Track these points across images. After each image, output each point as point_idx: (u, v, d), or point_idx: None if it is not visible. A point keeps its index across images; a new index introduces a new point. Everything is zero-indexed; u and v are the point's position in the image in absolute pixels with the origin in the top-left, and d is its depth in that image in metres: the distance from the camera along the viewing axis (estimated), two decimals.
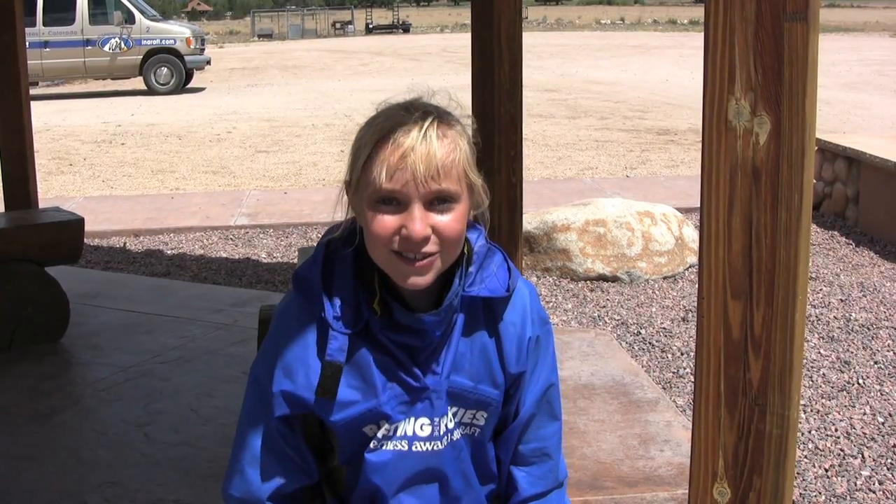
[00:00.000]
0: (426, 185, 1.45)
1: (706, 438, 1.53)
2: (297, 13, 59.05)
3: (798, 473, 3.48)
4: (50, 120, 15.69)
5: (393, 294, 1.54)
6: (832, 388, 4.26)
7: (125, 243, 7.17)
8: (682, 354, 4.69)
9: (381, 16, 70.76)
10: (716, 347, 1.50)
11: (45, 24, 20.12)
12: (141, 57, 21.02)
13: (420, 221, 1.45)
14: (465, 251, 1.58)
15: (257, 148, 12.42)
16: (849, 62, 24.35)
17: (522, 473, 1.71)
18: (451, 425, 1.60)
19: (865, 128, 12.93)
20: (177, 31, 21.99)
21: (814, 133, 1.43)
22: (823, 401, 4.12)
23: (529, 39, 29.59)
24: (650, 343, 4.87)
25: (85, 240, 5.17)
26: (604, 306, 5.49)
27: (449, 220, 1.48)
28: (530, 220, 6.24)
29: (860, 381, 4.33)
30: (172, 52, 21.18)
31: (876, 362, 4.55)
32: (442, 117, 1.50)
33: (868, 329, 5.00)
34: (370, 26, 56.34)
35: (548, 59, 28.24)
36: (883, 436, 3.79)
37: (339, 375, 1.53)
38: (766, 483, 1.51)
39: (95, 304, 5.32)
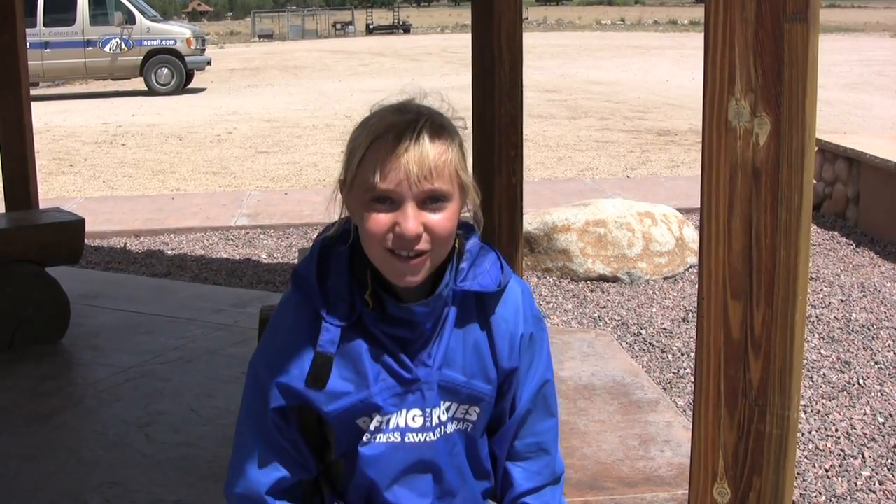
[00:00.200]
0: (419, 184, 1.49)
1: (706, 439, 1.53)
2: (298, 14, 59.11)
3: (798, 474, 3.48)
4: (50, 120, 15.69)
5: (385, 287, 1.58)
6: (832, 388, 4.26)
7: (126, 244, 7.17)
8: (682, 355, 4.69)
9: (382, 16, 70.77)
10: (716, 348, 1.50)
11: (45, 25, 20.13)
12: (141, 57, 21.03)
13: (413, 220, 1.49)
14: (457, 247, 1.61)
15: (258, 148, 12.42)
16: (849, 62, 24.35)
17: (518, 469, 1.74)
18: (443, 418, 1.62)
19: (866, 128, 12.93)
20: (177, 32, 22.00)
21: (814, 133, 1.43)
22: (824, 401, 4.12)
23: (530, 40, 29.60)
24: (650, 343, 4.87)
25: (85, 240, 5.17)
26: (604, 307, 5.49)
27: (441, 219, 1.52)
28: (531, 221, 6.24)
29: (860, 381, 4.33)
30: (173, 52, 21.18)
31: (876, 363, 4.55)
32: (434, 118, 1.54)
33: (868, 329, 5.00)
34: (370, 27, 56.36)
35: (548, 59, 28.25)
36: (883, 436, 3.79)
37: (329, 367, 1.57)
38: (766, 483, 1.51)
39: (96, 305, 5.32)
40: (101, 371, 4.33)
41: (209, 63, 22.93)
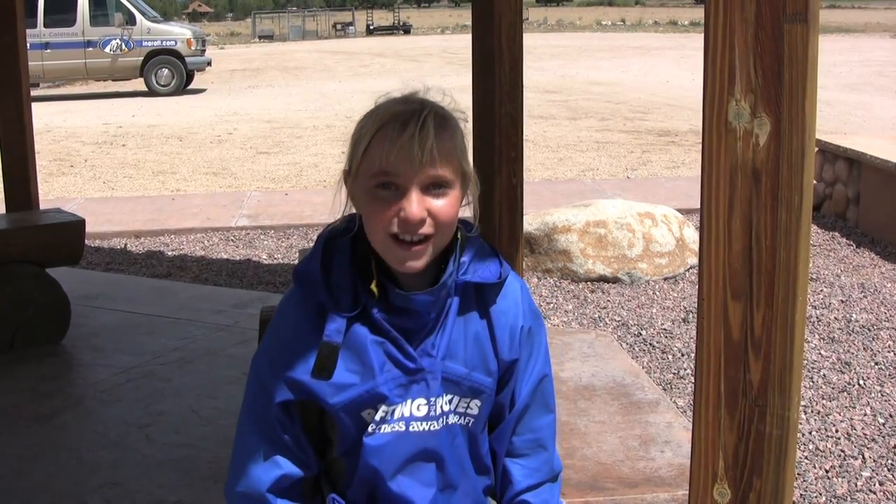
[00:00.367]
0: (423, 170, 1.53)
1: (706, 439, 1.53)
2: (298, 14, 59.12)
3: (798, 474, 3.48)
4: (51, 121, 15.70)
5: (389, 278, 1.61)
6: (833, 389, 4.26)
7: (126, 244, 7.18)
8: (682, 355, 4.69)
9: (382, 17, 70.79)
10: (716, 348, 1.50)
11: (46, 26, 20.13)
12: (142, 58, 21.04)
13: (417, 204, 1.53)
14: (459, 238, 1.65)
15: (258, 149, 12.42)
16: (849, 63, 24.35)
17: (517, 466, 1.76)
18: (446, 408, 1.64)
19: (866, 129, 12.93)
20: (178, 33, 22.01)
21: (814, 134, 1.44)
22: (824, 402, 4.12)
23: (530, 41, 29.61)
24: (651, 344, 4.87)
25: (86, 241, 5.17)
26: (604, 307, 5.50)
27: (444, 205, 1.56)
28: (531, 222, 6.24)
29: (861, 382, 4.33)
30: (173, 53, 21.19)
31: (876, 363, 4.55)
32: (438, 109, 1.59)
33: (869, 330, 5.00)
34: (371, 27, 56.39)
35: (548, 60, 28.25)
36: (883, 437, 3.79)
37: (335, 356, 1.58)
38: (766, 484, 1.51)
39: (96, 306, 5.32)
40: (102, 372, 4.33)
41: (209, 64, 22.93)
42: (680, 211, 6.76)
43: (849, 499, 3.34)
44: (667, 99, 17.37)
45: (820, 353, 4.67)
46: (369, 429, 1.61)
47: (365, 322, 1.60)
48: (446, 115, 1.60)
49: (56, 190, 9.72)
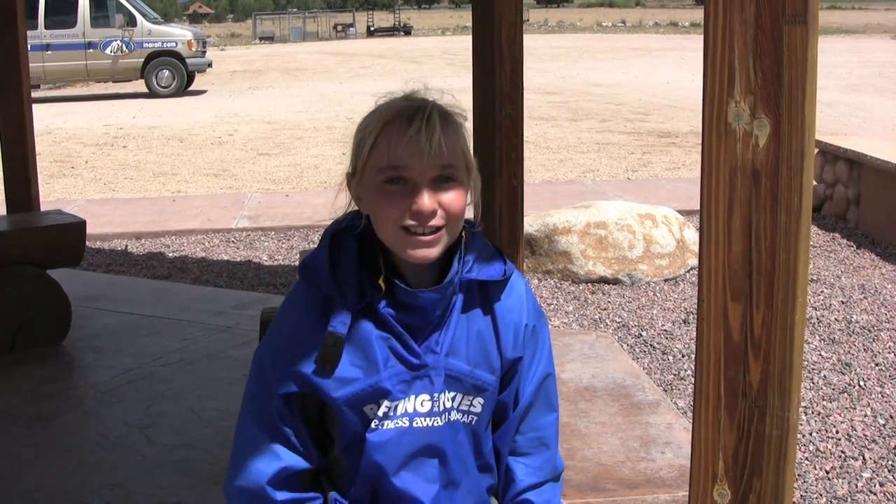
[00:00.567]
0: (432, 161, 1.55)
1: (706, 440, 1.53)
2: (299, 16, 59.15)
3: (799, 475, 3.48)
4: (51, 123, 15.71)
5: (396, 274, 1.62)
6: (833, 389, 4.26)
7: (127, 246, 7.18)
8: (683, 356, 4.69)
9: (383, 18, 70.83)
10: (716, 349, 1.50)
11: (46, 27, 20.15)
12: (142, 60, 21.05)
13: (428, 196, 1.55)
14: (464, 237, 1.66)
15: (259, 150, 12.43)
16: (850, 64, 24.35)
17: (520, 464, 1.76)
18: (449, 404, 1.64)
19: (866, 130, 12.93)
20: (178, 34, 22.02)
21: (813, 135, 1.44)
22: (824, 403, 4.12)
23: (530, 42, 29.62)
24: (651, 345, 4.87)
25: (86, 242, 5.17)
26: (605, 308, 5.50)
27: (453, 197, 1.58)
28: (531, 223, 6.24)
29: (861, 383, 4.33)
30: (174, 54, 21.21)
31: (877, 364, 4.55)
32: (440, 105, 1.61)
33: (869, 331, 5.00)
34: (371, 29, 56.40)
35: (549, 61, 28.26)
36: (884, 438, 3.79)
37: (339, 348, 1.59)
38: (766, 485, 1.51)
39: (97, 307, 5.32)
40: (102, 373, 4.33)
41: (210, 65, 22.95)
42: (680, 212, 6.76)
43: (849, 500, 3.34)
44: (667, 100, 17.37)
45: (820, 355, 4.67)
46: (372, 424, 1.61)
47: (370, 317, 1.61)
48: (449, 111, 1.62)
49: (57, 191, 9.73)
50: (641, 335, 5.02)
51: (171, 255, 6.91)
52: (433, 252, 1.58)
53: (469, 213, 1.68)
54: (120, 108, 18.37)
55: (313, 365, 1.60)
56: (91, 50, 20.69)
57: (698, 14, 61.48)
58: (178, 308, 5.33)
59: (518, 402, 1.73)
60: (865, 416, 3.99)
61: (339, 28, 54.91)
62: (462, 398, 1.66)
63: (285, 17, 57.90)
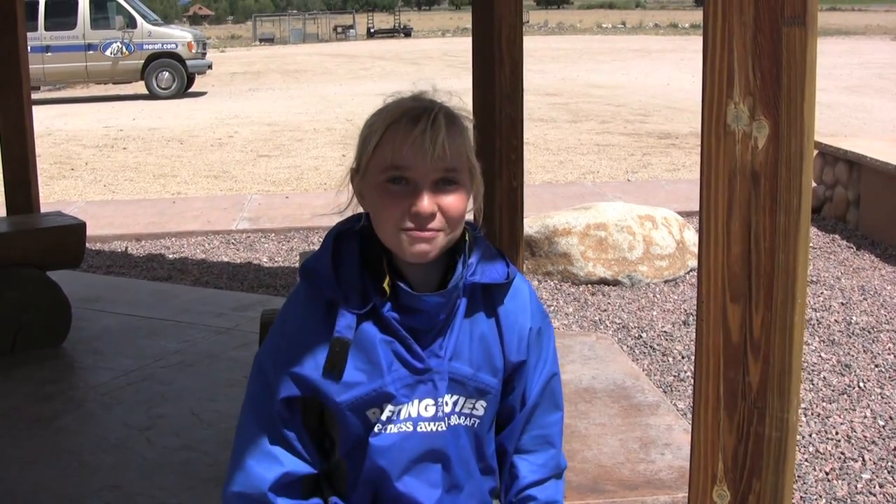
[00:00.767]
0: (435, 164, 1.55)
1: (705, 441, 1.53)
2: (299, 17, 59.16)
3: (799, 476, 3.49)
4: (52, 124, 15.71)
5: (399, 278, 1.61)
6: (833, 391, 4.26)
7: (127, 247, 7.18)
8: (683, 358, 4.69)
9: (383, 20, 70.82)
10: (715, 351, 1.50)
11: (46, 29, 20.17)
12: (142, 61, 21.06)
13: (428, 198, 1.55)
14: (467, 239, 1.66)
15: (259, 152, 12.43)
16: (849, 65, 24.36)
17: (524, 461, 1.77)
18: (450, 409, 1.64)
19: (866, 131, 12.93)
20: (178, 36, 22.03)
21: (812, 137, 1.44)
22: (824, 404, 4.12)
23: (530, 43, 29.62)
24: (651, 346, 4.87)
25: (86, 244, 5.17)
26: (605, 310, 5.50)
27: (454, 200, 1.58)
28: (531, 224, 6.24)
29: (861, 384, 4.33)
30: (174, 56, 21.21)
31: (877, 366, 4.55)
32: (447, 107, 1.61)
33: (869, 332, 5.00)
34: (371, 30, 56.40)
35: (549, 62, 28.27)
36: (883, 439, 3.79)
37: (346, 352, 1.59)
38: (766, 486, 1.51)
39: (97, 309, 5.32)
40: (103, 375, 4.33)
41: (210, 67, 22.96)
42: (680, 213, 6.76)
43: (849, 501, 3.34)
44: (667, 101, 17.37)
45: (820, 356, 4.67)
46: (375, 429, 1.61)
47: (374, 320, 1.61)
48: (456, 114, 1.62)
49: (57, 193, 9.73)
50: (641, 336, 5.02)
51: (171, 256, 6.91)
52: (430, 248, 1.58)
53: (470, 217, 1.68)
54: (120, 110, 18.38)
55: (317, 369, 1.59)
56: (91, 51, 20.70)
57: (698, 15, 61.50)
58: (178, 310, 5.33)
59: (525, 403, 1.74)
60: (865, 417, 3.99)
61: (339, 30, 54.88)
62: (465, 401, 1.65)
63: (285, 19, 57.93)
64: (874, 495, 3.37)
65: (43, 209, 5.77)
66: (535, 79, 21.13)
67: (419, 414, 1.62)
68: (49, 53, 20.16)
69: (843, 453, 3.68)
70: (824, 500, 3.34)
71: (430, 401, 1.62)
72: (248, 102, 19.13)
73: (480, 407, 1.67)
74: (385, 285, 1.60)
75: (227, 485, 1.66)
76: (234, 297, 5.67)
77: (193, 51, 21.47)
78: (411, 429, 1.62)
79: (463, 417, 1.66)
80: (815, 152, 7.49)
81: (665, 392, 4.25)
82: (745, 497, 1.53)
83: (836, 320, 5.18)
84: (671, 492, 2.96)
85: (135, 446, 3.59)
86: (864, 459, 3.62)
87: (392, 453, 1.61)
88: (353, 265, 1.62)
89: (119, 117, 16.94)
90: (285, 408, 1.62)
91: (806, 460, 3.62)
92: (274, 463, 1.62)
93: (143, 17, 21.56)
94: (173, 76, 21.18)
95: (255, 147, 12.89)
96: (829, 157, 7.73)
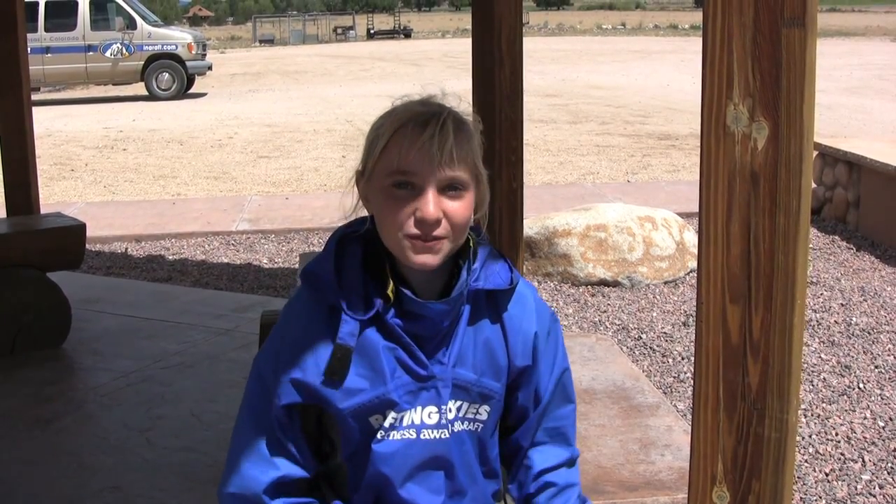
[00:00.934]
0: (441, 170, 1.54)
1: (705, 442, 1.53)
2: (299, 18, 59.21)
3: (798, 477, 3.49)
4: (51, 125, 15.71)
5: (403, 284, 1.60)
6: (833, 392, 4.26)
7: (126, 249, 7.18)
8: (682, 359, 4.69)
9: (383, 21, 70.83)
10: (714, 351, 1.50)
11: (46, 30, 20.17)
12: (142, 62, 21.06)
13: (434, 205, 1.54)
14: (471, 245, 1.65)
15: (259, 153, 12.43)
16: (849, 66, 24.36)
17: (536, 452, 1.77)
18: (450, 416, 1.63)
19: (866, 132, 12.93)
20: (178, 37, 22.03)
21: (812, 138, 1.44)
22: (824, 405, 4.12)
23: (530, 44, 29.63)
24: (651, 348, 4.87)
25: (86, 245, 5.17)
26: (605, 311, 5.50)
27: (459, 207, 1.57)
28: (531, 226, 6.24)
29: (861, 385, 4.33)
30: (174, 57, 21.21)
31: (876, 366, 4.55)
32: (456, 112, 1.60)
33: (869, 333, 5.00)
34: (371, 31, 56.42)
35: (549, 64, 28.27)
36: (883, 440, 3.79)
37: (348, 359, 1.58)
38: (765, 487, 1.51)
39: (97, 310, 5.33)
40: (102, 376, 4.33)
41: (210, 68, 22.95)
42: (680, 214, 6.76)
43: (848, 502, 3.34)
44: (667, 102, 17.38)
45: (820, 357, 4.67)
46: (378, 435, 1.60)
47: (377, 326, 1.59)
48: (465, 120, 1.61)
49: (57, 194, 9.73)
50: (641, 337, 5.02)
51: (170, 257, 6.91)
52: (435, 259, 1.57)
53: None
54: (120, 111, 18.38)
55: (319, 376, 1.58)
56: (91, 53, 20.70)
57: (698, 16, 61.52)
58: (178, 311, 5.33)
59: (539, 403, 1.74)
60: (865, 418, 3.99)
61: (339, 31, 54.90)
62: (468, 406, 1.65)
63: (285, 20, 57.97)
64: (874, 496, 3.37)
65: (43, 210, 5.76)
66: (535, 80, 21.14)
67: (422, 421, 1.61)
68: (49, 55, 20.16)
69: (842, 454, 3.68)
70: (824, 501, 3.34)
71: (433, 408, 1.61)
72: (247, 104, 19.13)
73: (484, 412, 1.66)
74: (389, 291, 1.58)
75: (222, 485, 1.66)
76: (234, 299, 5.68)
77: (193, 52, 21.47)
78: (415, 436, 1.61)
79: (466, 422, 1.65)
80: (815, 153, 7.50)
81: (665, 393, 4.25)
82: (745, 498, 1.53)
83: (835, 321, 5.18)
84: (671, 493, 2.96)
85: (135, 447, 3.59)
86: (863, 460, 3.62)
87: (395, 460, 1.61)
88: (356, 270, 1.61)
89: (119, 118, 16.94)
90: (285, 414, 1.61)
91: (806, 461, 3.62)
92: (269, 467, 1.62)
93: (143, 18, 21.57)
94: (173, 77, 21.18)
95: (255, 148, 12.89)
96: (828, 159, 7.74)
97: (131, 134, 14.67)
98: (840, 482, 3.46)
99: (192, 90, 21.96)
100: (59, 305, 4.71)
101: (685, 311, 5.44)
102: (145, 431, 3.72)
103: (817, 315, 5.29)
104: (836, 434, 3.85)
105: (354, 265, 1.61)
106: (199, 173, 11.01)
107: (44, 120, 15.78)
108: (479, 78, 3.61)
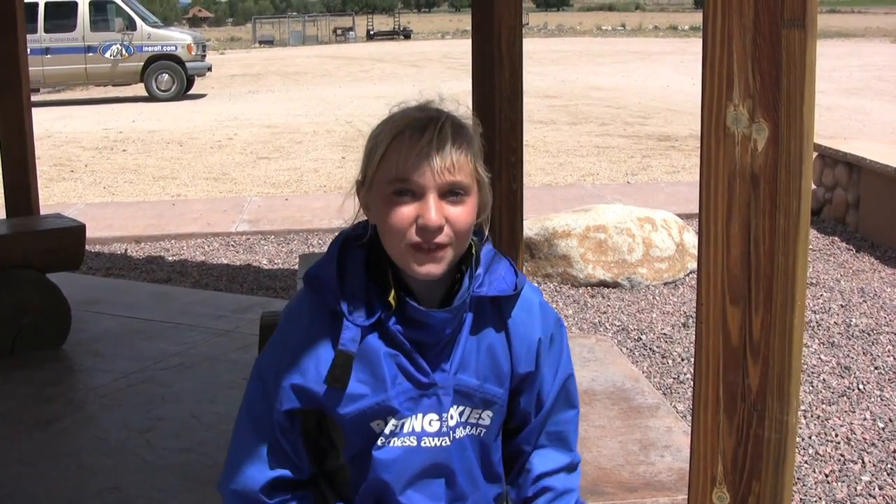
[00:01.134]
0: (441, 175, 1.52)
1: (705, 443, 1.53)
2: (299, 19, 59.23)
3: (798, 479, 3.49)
4: (51, 126, 15.71)
5: (405, 290, 1.59)
6: (832, 393, 4.26)
7: (126, 250, 7.18)
8: (682, 360, 4.69)
9: (383, 22, 70.82)
10: (714, 353, 1.50)
11: (46, 31, 20.17)
12: (142, 63, 21.06)
13: (435, 211, 1.52)
14: (474, 252, 1.64)
15: (258, 154, 12.43)
16: (849, 68, 24.37)
17: (536, 455, 1.77)
18: (452, 423, 1.63)
19: (866, 133, 12.93)
20: (178, 38, 22.04)
21: (812, 139, 1.44)
22: (824, 406, 4.12)
23: (530, 46, 29.64)
24: (651, 349, 4.87)
25: (86, 246, 5.17)
26: (604, 312, 5.50)
27: (461, 213, 1.55)
28: (531, 227, 6.24)
29: (860, 386, 4.33)
30: (174, 58, 21.22)
31: (876, 367, 4.55)
32: (454, 117, 1.59)
33: (868, 334, 5.00)
34: (371, 32, 56.40)
35: (549, 65, 28.27)
36: (883, 441, 3.79)
37: (350, 365, 1.57)
38: (765, 488, 1.51)
39: (97, 311, 5.32)
40: (102, 377, 4.33)
41: (210, 69, 22.95)
42: (680, 216, 6.76)
43: (848, 503, 3.34)
44: (667, 104, 17.38)
45: (820, 358, 4.67)
46: (379, 441, 1.60)
47: (378, 332, 1.59)
48: (463, 124, 1.59)
49: (56, 195, 9.73)
50: (641, 339, 5.02)
51: (170, 258, 6.91)
52: (439, 268, 1.55)
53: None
54: (119, 112, 18.38)
55: (320, 381, 1.57)
56: (91, 54, 20.70)
57: (698, 17, 61.52)
58: (178, 312, 5.33)
59: (541, 408, 1.73)
60: (865, 419, 3.99)
61: (339, 32, 54.89)
62: (471, 412, 1.64)
63: (285, 21, 57.99)
64: (874, 497, 3.37)
65: (42, 211, 5.76)
66: (534, 81, 21.14)
67: (423, 429, 1.60)
68: (49, 55, 20.16)
69: (842, 455, 3.68)
70: (824, 502, 3.34)
71: (433, 416, 1.61)
72: (247, 104, 19.13)
73: (487, 416, 1.66)
74: (391, 298, 1.58)
75: (222, 480, 1.67)
76: (234, 300, 5.68)
77: (193, 53, 21.48)
78: (415, 443, 1.60)
79: (469, 427, 1.64)
80: (815, 154, 7.50)
81: (665, 394, 4.25)
82: (745, 499, 1.53)
83: (835, 322, 5.18)
84: (671, 494, 2.96)
85: (134, 448, 3.59)
86: (863, 461, 3.62)
87: (396, 467, 1.60)
88: (358, 276, 1.60)
89: (119, 119, 16.94)
90: (286, 418, 1.61)
91: (805, 462, 3.63)
92: (267, 468, 1.62)
93: (143, 19, 21.57)
94: (173, 78, 21.19)
95: (255, 149, 12.89)
96: (828, 160, 7.74)
97: (131, 135, 14.67)
98: (840, 483, 3.47)
99: (192, 91, 21.96)
100: (59, 306, 4.71)
101: (685, 312, 5.45)
102: (145, 432, 3.72)
103: (817, 316, 5.29)
104: (836, 435, 3.85)
105: (357, 270, 1.60)
106: (198, 174, 11.01)
107: (43, 121, 15.78)
108: (479, 79, 3.61)
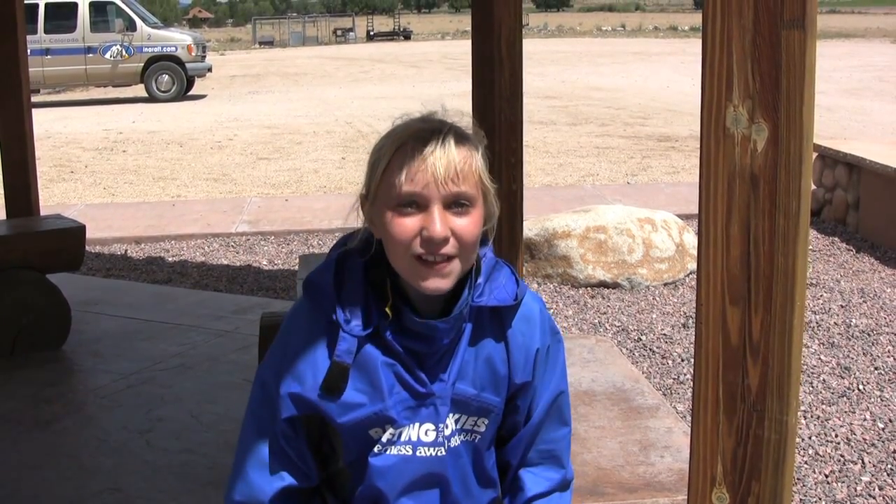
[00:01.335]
0: (446, 186, 1.50)
1: (705, 444, 1.53)
2: (298, 20, 59.22)
3: (798, 479, 3.49)
4: (51, 127, 15.71)
5: (403, 301, 1.58)
6: (832, 393, 4.26)
7: (126, 250, 7.18)
8: (682, 360, 4.69)
9: (383, 23, 70.82)
10: (714, 353, 1.50)
11: (46, 32, 20.17)
12: (142, 64, 21.07)
13: (440, 222, 1.50)
14: (474, 261, 1.61)
15: (258, 155, 12.43)
16: (849, 68, 24.37)
17: (529, 474, 1.75)
18: (448, 432, 1.62)
19: (866, 134, 12.93)
20: (178, 39, 22.04)
21: (811, 140, 1.44)
22: (824, 406, 4.12)
23: (530, 46, 29.65)
24: (651, 349, 4.87)
25: (86, 247, 5.17)
26: (604, 313, 5.50)
27: (467, 224, 1.53)
28: (531, 227, 6.24)
29: (860, 386, 4.33)
30: (174, 59, 21.23)
31: (876, 368, 4.55)
32: (458, 128, 1.57)
33: (868, 335, 5.00)
34: (371, 33, 56.40)
35: (548, 65, 28.27)
36: (883, 441, 3.79)
37: (345, 376, 1.56)
38: (765, 488, 1.51)
39: (97, 312, 5.32)
40: (102, 377, 4.33)
41: (210, 70, 22.96)
42: (680, 216, 6.76)
43: (848, 503, 3.34)
44: (667, 104, 17.38)
45: (820, 358, 4.67)
46: (375, 449, 1.59)
47: (376, 342, 1.57)
48: (467, 135, 1.57)
49: (56, 196, 9.73)
50: (641, 339, 5.02)
51: (170, 259, 6.91)
52: (446, 283, 1.53)
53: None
54: (119, 113, 18.38)
55: (317, 390, 1.57)
56: (91, 54, 20.71)
57: (698, 18, 61.50)
58: (178, 312, 5.33)
59: (530, 420, 1.71)
60: (864, 419, 4.00)
61: (339, 32, 54.89)
62: (467, 419, 1.64)
63: (285, 22, 57.98)
64: (874, 497, 3.37)
65: (42, 212, 5.77)
66: (534, 81, 21.14)
67: (419, 438, 1.60)
68: (49, 56, 20.16)
69: (842, 456, 3.68)
70: (824, 503, 3.34)
71: (430, 425, 1.60)
72: (247, 105, 19.13)
73: (482, 424, 1.65)
74: (387, 309, 1.56)
75: (229, 490, 1.66)
76: (234, 300, 5.68)
77: (193, 54, 21.48)
78: (411, 452, 1.60)
79: (464, 434, 1.64)
80: (815, 155, 7.50)
81: (664, 395, 4.25)
82: (745, 499, 1.53)
83: (835, 323, 5.18)
84: (671, 494, 2.96)
85: (134, 449, 3.59)
86: (863, 462, 3.62)
87: (390, 475, 1.60)
88: (356, 284, 1.58)
89: (119, 120, 16.94)
90: (289, 426, 1.61)
91: (805, 463, 3.63)
92: (275, 477, 1.62)
93: (143, 19, 21.58)
94: (173, 79, 21.19)
95: (255, 150, 12.89)
96: (828, 160, 7.74)
97: (131, 136, 14.67)
98: (840, 483, 3.47)
99: (192, 92, 21.96)
100: (59, 307, 4.71)
101: (685, 313, 5.45)
102: (145, 433, 3.72)
103: (817, 317, 5.29)
104: (836, 435, 3.85)
105: (356, 278, 1.59)
106: (198, 175, 11.01)
107: (43, 122, 15.78)
108: (479, 80, 3.62)
